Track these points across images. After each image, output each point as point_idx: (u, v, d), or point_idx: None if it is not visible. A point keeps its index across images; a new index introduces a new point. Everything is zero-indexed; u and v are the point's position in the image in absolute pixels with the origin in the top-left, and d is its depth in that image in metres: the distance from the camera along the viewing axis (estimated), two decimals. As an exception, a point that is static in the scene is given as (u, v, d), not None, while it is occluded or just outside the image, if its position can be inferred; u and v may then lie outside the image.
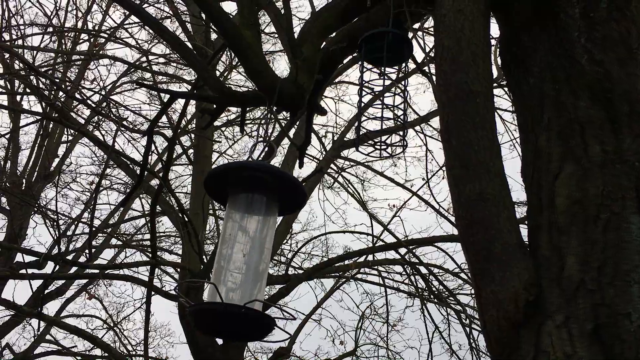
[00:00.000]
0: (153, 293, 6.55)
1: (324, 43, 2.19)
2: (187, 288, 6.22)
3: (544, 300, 1.13)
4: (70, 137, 10.56)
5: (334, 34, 1.95)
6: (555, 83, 1.30)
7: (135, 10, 2.46)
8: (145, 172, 2.21)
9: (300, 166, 2.54)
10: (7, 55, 7.07)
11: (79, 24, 9.66)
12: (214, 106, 2.20)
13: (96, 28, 9.43)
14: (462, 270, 6.94)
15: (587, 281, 1.09)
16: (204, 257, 6.36)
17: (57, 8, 9.82)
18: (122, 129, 4.77)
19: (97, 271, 7.27)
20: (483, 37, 1.40)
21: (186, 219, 5.48)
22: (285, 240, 8.11)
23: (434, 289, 6.94)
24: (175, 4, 6.33)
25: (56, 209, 6.69)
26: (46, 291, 9.26)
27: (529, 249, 1.24)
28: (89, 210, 10.27)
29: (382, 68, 1.76)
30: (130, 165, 6.55)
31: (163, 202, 6.96)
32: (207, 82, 2.19)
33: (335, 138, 8.05)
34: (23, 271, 7.43)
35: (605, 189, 1.14)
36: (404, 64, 1.82)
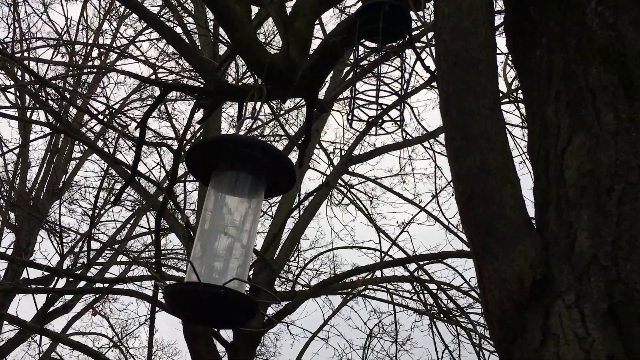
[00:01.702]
0: (158, 309, 6.45)
1: (326, 35, 2.12)
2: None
3: (552, 279, 1.02)
4: (79, 154, 10.61)
5: (329, 13, 1.87)
6: (564, 52, 1.20)
7: (132, 5, 2.42)
8: (138, 164, 2.13)
9: (301, 165, 2.46)
10: (17, 70, 7.10)
11: (90, 42, 9.74)
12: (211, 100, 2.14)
13: (107, 44, 9.50)
14: (472, 288, 6.79)
15: (600, 257, 0.98)
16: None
17: (68, 25, 9.93)
18: (124, 137, 4.71)
19: (101, 285, 7.20)
20: (485, 4, 1.31)
21: (191, 233, 5.40)
22: (292, 258, 8.00)
23: (443, 306, 6.79)
24: (183, 17, 6.34)
25: (59, 222, 6.65)
26: (52, 308, 9.20)
27: (536, 227, 1.14)
28: (96, 223, 10.25)
29: (379, 40, 1.67)
30: (136, 178, 6.49)
31: (170, 217, 6.89)
32: (203, 75, 2.13)
33: (342, 153, 7.98)
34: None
35: (619, 158, 1.04)
36: (402, 41, 1.74)
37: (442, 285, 6.73)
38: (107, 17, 9.89)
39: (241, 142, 1.18)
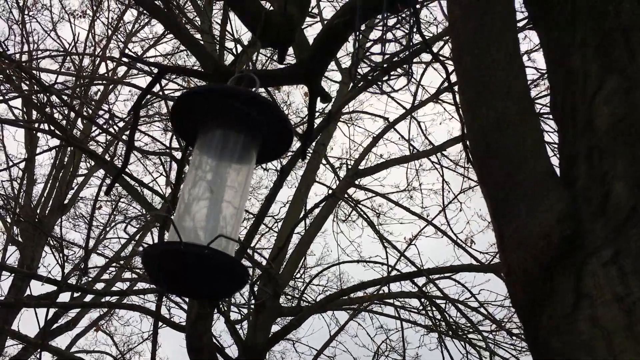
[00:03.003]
0: (162, 325, 6.31)
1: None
2: (195, 316, 5.98)
3: (584, 234, 0.88)
4: (86, 170, 10.57)
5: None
6: (589, -6, 1.08)
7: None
8: (131, 154, 2.03)
9: (303, 158, 2.35)
10: (23, 84, 7.07)
11: (97, 60, 9.76)
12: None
13: (115, 57, 9.51)
14: (482, 305, 6.60)
15: (640, 207, 0.85)
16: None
17: (76, 40, 9.96)
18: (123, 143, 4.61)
19: (104, 299, 7.06)
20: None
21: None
22: (299, 274, 7.85)
23: (452, 323, 6.60)
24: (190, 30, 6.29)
25: (61, 235, 6.56)
26: (56, 325, 9.08)
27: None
28: (101, 239, 10.18)
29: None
30: (139, 189, 6.40)
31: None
32: (201, 59, 2.04)
33: (349, 167, 7.88)
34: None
35: (659, 99, 0.91)
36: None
37: (452, 302, 6.54)
38: (115, 34, 9.93)
39: (229, 92, 1.06)
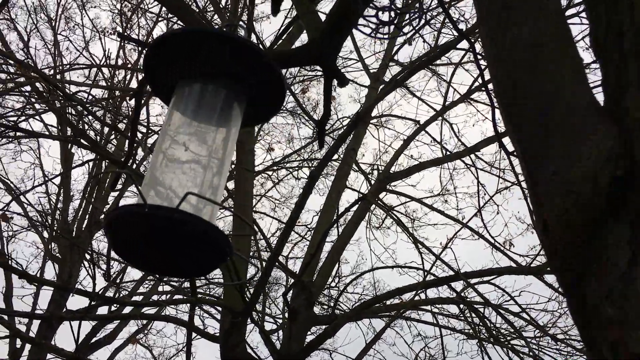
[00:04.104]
0: (196, 336, 6.21)
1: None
2: (229, 327, 5.86)
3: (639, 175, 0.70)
4: (120, 185, 10.64)
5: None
6: None
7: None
8: (135, 144, 1.90)
9: (321, 145, 2.18)
10: (56, 101, 7.12)
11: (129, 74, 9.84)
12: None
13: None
14: (523, 310, 6.30)
15: None
16: (245, 295, 6.01)
17: (107, 56, 10.07)
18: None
19: (134, 309, 7.02)
20: None
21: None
22: (333, 283, 7.67)
23: (492, 329, 6.30)
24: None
25: (91, 249, 6.54)
26: (95, 338, 9.10)
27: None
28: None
29: None
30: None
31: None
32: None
33: (380, 171, 7.71)
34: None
35: None
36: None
37: (494, 307, 6.24)
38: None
39: (210, 36, 0.89)
